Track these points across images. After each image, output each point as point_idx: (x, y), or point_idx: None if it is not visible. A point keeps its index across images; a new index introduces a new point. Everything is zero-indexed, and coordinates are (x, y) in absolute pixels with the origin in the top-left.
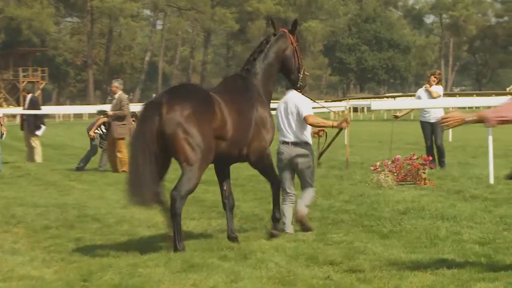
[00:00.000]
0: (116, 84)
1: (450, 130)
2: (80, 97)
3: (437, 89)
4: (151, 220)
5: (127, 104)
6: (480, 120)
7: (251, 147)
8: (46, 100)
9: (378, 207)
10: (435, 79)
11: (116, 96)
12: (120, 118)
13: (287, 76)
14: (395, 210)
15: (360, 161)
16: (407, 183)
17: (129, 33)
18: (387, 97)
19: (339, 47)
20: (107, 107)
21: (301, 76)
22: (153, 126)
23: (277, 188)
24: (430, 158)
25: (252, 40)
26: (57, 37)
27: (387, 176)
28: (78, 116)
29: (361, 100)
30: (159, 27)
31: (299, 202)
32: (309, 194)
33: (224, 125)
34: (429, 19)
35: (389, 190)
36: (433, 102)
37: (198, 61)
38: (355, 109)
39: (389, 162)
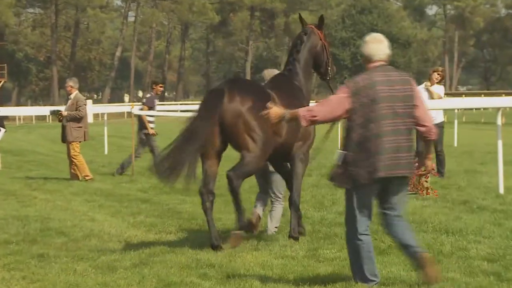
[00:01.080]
0: (71, 83)
1: (456, 134)
2: (43, 97)
3: (439, 90)
4: (122, 234)
5: (84, 104)
6: (294, 118)
7: (297, 147)
8: (5, 100)
9: (375, 219)
10: (438, 76)
11: (72, 96)
12: (76, 120)
13: (317, 69)
14: None
15: None
16: (408, 193)
17: (97, 26)
18: None
19: (332, 41)
20: (61, 108)
21: (329, 68)
22: (215, 113)
23: (298, 196)
24: (433, 165)
25: (235, 33)
26: (18, 30)
27: None
28: (41, 118)
29: None
30: (131, 19)
31: (269, 224)
32: (278, 214)
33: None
34: (432, 10)
35: None
36: (437, 103)
37: (175, 56)
38: None
39: None
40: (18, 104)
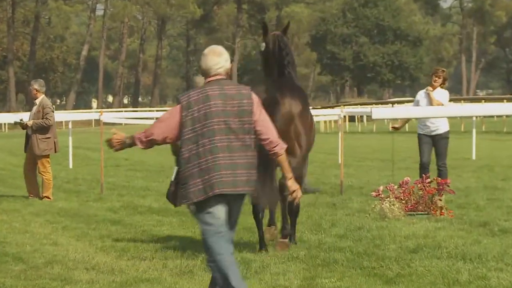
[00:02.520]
0: (37, 86)
1: (474, 145)
2: None
3: (441, 96)
4: (90, 261)
5: (52, 111)
6: (133, 142)
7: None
8: None
9: (381, 244)
10: (436, 79)
11: (37, 101)
12: (44, 129)
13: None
14: (403, 247)
15: (359, 185)
16: (419, 213)
17: (60, 20)
18: (393, 102)
19: (331, 39)
20: (26, 116)
21: None
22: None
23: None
24: (448, 181)
25: (219, 29)
26: None
27: (393, 204)
28: None
29: (359, 106)
30: (99, 12)
31: None
32: None
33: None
34: (446, 3)
35: (396, 222)
36: (446, 109)
37: (150, 56)
38: (352, 118)
39: (396, 187)
40: None
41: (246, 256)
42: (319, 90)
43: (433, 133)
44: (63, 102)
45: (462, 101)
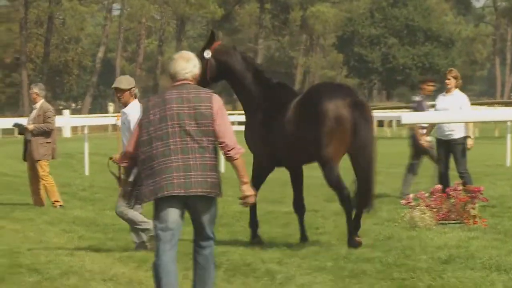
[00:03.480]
0: (37, 90)
1: (508, 151)
2: (10, 106)
3: (459, 100)
4: (107, 272)
5: (53, 115)
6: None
7: None
8: None
9: (412, 254)
10: (447, 81)
11: (37, 105)
12: (45, 134)
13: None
14: (435, 258)
15: (388, 193)
16: (451, 222)
17: (75, 21)
18: None
19: (358, 40)
20: (24, 121)
21: None
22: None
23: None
24: (482, 188)
25: (241, 30)
26: None
27: (424, 213)
28: (7, 132)
29: (388, 110)
30: (116, 12)
31: None
32: None
33: None
34: (479, 2)
35: (427, 232)
36: (489, 113)
37: (169, 58)
38: (380, 123)
39: (427, 194)
40: None
41: (271, 267)
42: None
43: (448, 138)
44: (79, 106)
45: (495, 104)
